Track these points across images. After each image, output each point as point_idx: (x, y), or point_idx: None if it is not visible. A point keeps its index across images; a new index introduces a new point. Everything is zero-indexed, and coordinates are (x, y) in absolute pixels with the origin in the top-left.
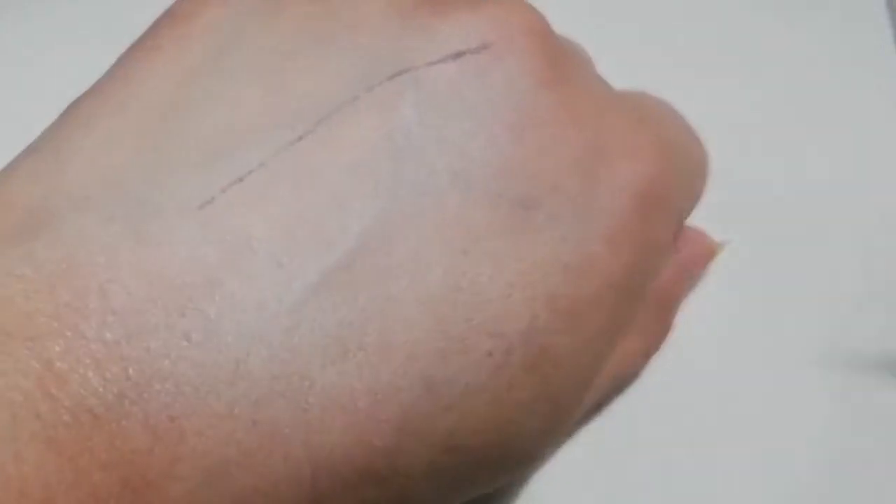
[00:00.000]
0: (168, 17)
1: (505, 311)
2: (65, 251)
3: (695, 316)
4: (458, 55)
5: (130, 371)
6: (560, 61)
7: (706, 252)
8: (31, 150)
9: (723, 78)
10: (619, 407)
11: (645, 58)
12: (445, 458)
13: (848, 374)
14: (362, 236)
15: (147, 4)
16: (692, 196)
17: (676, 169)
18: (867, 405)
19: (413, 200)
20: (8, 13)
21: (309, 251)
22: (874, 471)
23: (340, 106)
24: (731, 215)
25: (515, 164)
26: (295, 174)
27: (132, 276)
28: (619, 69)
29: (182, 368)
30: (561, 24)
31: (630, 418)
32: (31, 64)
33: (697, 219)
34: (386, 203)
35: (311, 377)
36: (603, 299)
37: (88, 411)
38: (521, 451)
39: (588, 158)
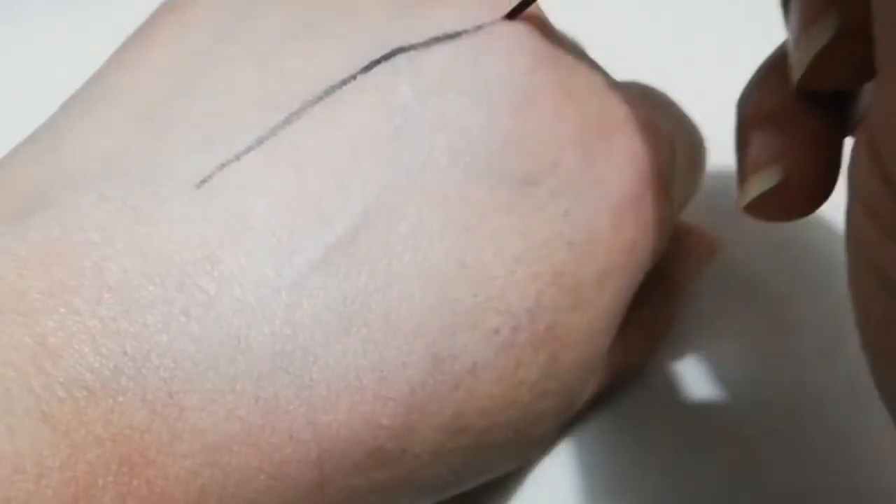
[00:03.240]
0: (166, 7)
1: (511, 288)
2: (59, 230)
3: (695, 315)
4: (454, 36)
5: (127, 346)
6: (554, 43)
7: (708, 246)
8: (32, 137)
9: (722, 78)
10: (622, 402)
11: (641, 56)
12: (453, 439)
13: (854, 370)
14: (364, 213)
15: None
16: (690, 182)
17: (675, 151)
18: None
19: (413, 178)
20: (9, 9)
21: (310, 228)
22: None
23: (338, 86)
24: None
25: (515, 142)
26: (293, 153)
27: (128, 253)
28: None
29: (181, 344)
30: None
31: (631, 414)
32: (33, 60)
33: (698, 219)
34: (386, 180)
35: (314, 353)
36: (607, 276)
37: (84, 387)
38: (528, 434)
39: (587, 135)
